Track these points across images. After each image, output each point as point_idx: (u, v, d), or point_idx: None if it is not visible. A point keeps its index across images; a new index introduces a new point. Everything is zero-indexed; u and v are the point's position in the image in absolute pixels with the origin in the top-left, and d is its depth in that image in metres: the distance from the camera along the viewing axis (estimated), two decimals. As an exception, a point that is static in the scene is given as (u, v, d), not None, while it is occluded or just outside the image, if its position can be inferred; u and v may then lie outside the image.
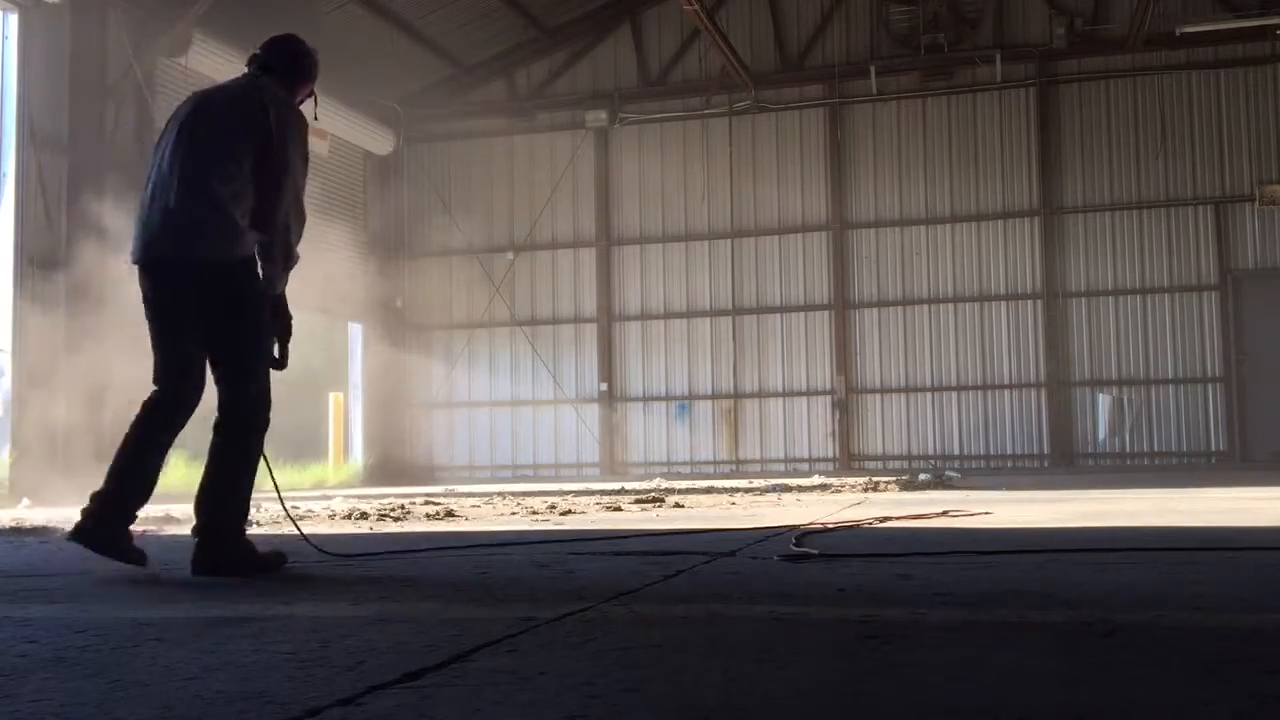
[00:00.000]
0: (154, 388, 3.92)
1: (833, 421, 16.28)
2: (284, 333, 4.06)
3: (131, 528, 3.92)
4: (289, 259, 3.99)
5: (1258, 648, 2.19)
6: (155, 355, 3.94)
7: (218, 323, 3.88)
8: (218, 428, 3.90)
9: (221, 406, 3.91)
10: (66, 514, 7.17)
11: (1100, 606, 2.69)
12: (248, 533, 3.96)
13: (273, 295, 3.97)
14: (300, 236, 4.05)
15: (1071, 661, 2.06)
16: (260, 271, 3.91)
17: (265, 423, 3.99)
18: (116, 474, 3.81)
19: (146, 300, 3.94)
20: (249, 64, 4.25)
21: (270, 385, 3.99)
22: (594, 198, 17.38)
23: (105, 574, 3.84)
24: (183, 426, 3.94)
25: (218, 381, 3.92)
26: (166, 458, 3.92)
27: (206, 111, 3.99)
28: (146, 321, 3.95)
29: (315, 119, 4.32)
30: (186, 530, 5.83)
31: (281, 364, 4.08)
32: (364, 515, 7.08)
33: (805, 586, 3.22)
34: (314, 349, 23.64)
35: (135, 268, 3.95)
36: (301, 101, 4.24)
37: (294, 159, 3.95)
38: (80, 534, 3.75)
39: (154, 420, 3.88)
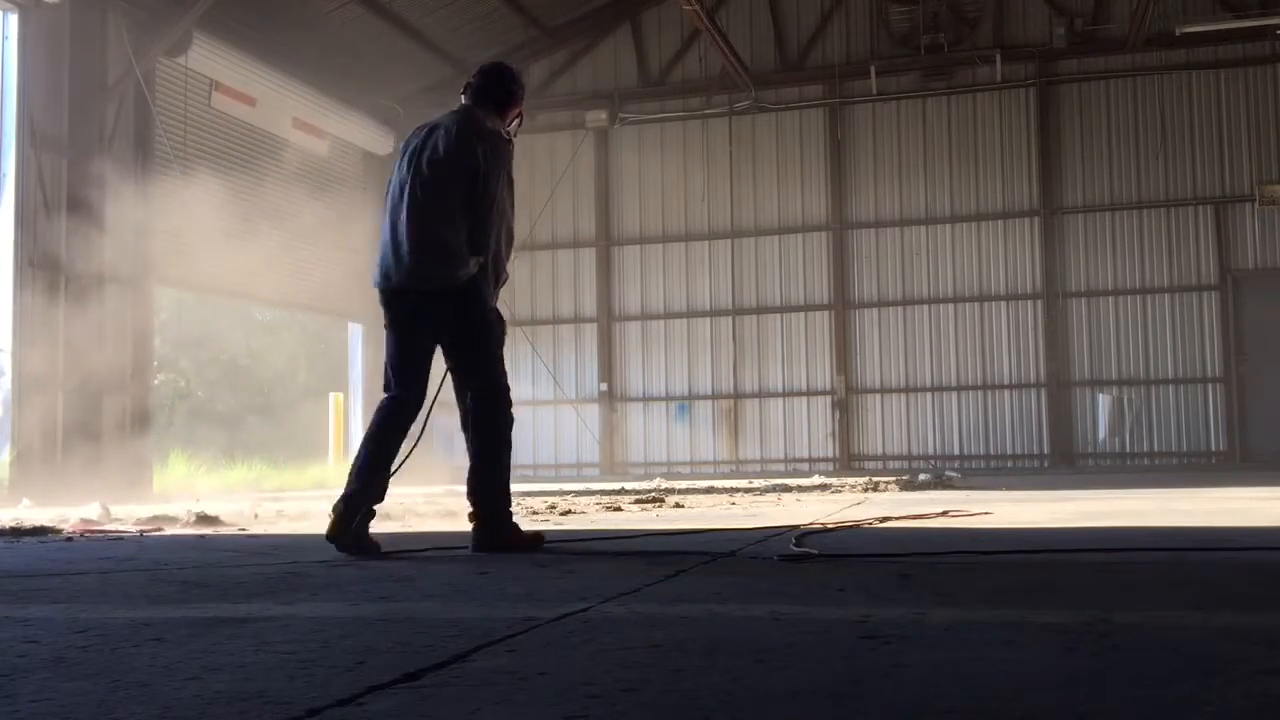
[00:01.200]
0: (385, 394, 4.52)
1: (833, 421, 16.28)
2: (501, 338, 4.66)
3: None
4: (500, 278, 4.57)
5: (1257, 648, 2.19)
6: (390, 366, 4.51)
7: (457, 340, 4.49)
8: (475, 426, 4.54)
9: (475, 410, 4.54)
10: (66, 514, 7.18)
11: (1100, 606, 2.70)
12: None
13: (491, 309, 4.55)
14: (510, 255, 4.63)
15: (1071, 661, 2.06)
16: (472, 278, 4.44)
17: (511, 417, 4.68)
18: (359, 473, 4.33)
19: (388, 320, 4.53)
20: (464, 91, 4.80)
21: (509, 383, 4.63)
22: (594, 198, 17.38)
23: (105, 574, 3.85)
24: (410, 427, 4.53)
25: (466, 388, 4.54)
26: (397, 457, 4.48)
27: (431, 147, 4.52)
28: (388, 336, 4.55)
29: (512, 135, 4.95)
30: (186, 530, 5.81)
31: None
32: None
33: (805, 586, 3.22)
34: (314, 349, 23.70)
35: (378, 291, 4.54)
36: (509, 123, 4.82)
37: (502, 190, 4.52)
38: (334, 539, 4.27)
39: (392, 423, 4.46)
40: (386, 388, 4.53)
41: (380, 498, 4.40)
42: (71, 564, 4.25)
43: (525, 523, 6.38)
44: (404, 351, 4.49)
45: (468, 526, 4.61)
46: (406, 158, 4.54)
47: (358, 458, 4.39)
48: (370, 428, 4.47)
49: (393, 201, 4.51)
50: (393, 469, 4.43)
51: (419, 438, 4.63)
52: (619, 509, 7.70)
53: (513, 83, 4.84)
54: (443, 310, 4.43)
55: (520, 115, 4.92)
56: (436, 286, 4.40)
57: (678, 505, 8.08)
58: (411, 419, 4.52)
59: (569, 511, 7.46)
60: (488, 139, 4.54)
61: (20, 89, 11.13)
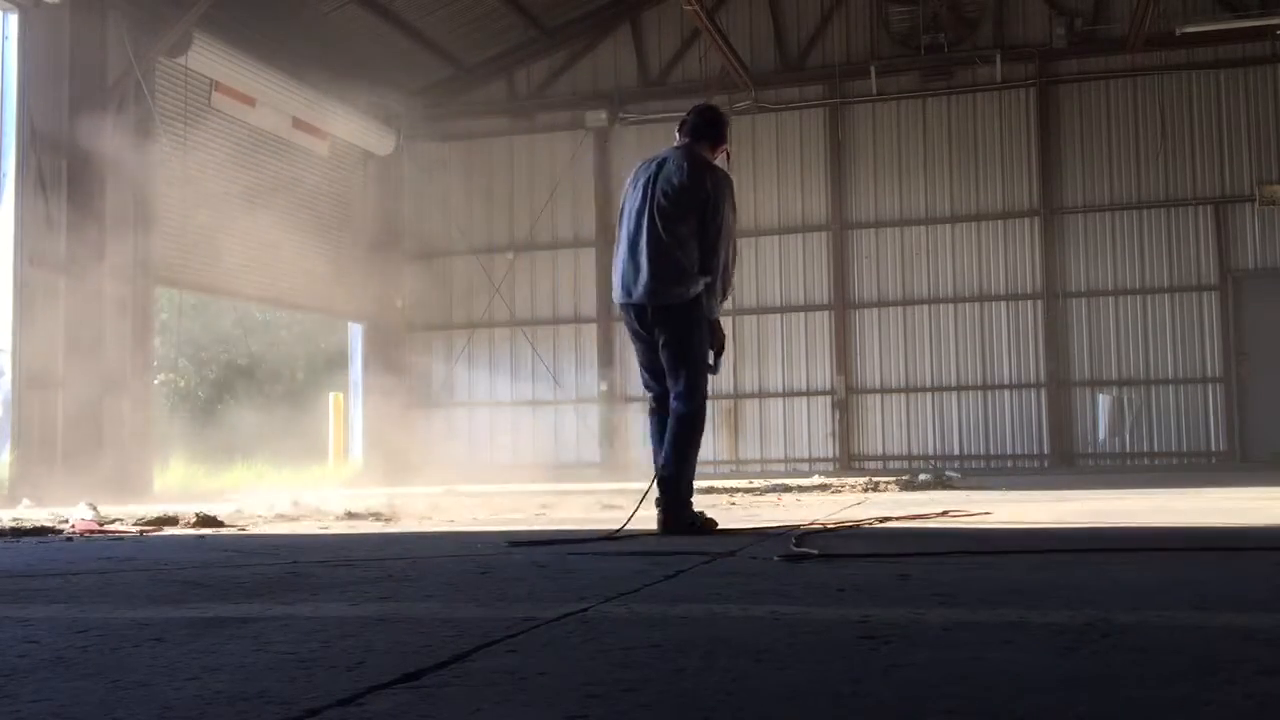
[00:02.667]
0: (649, 394, 5.44)
1: (833, 421, 16.28)
2: (719, 348, 5.32)
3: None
4: (726, 292, 5.33)
5: (1257, 648, 2.19)
6: (645, 370, 5.42)
7: (675, 347, 5.21)
8: (675, 424, 5.20)
9: (676, 409, 5.21)
10: (66, 514, 7.17)
11: (1100, 606, 2.69)
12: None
13: (712, 320, 5.26)
14: (735, 270, 5.41)
15: (1071, 661, 2.06)
16: (704, 303, 5.22)
17: (704, 420, 5.30)
18: (660, 463, 5.20)
19: (632, 331, 5.37)
20: (680, 129, 5.44)
21: (708, 390, 5.29)
22: (594, 198, 17.38)
23: (105, 574, 3.85)
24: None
25: (674, 388, 5.23)
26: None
27: (664, 180, 5.20)
28: (632, 343, 5.44)
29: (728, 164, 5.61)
30: (186, 531, 5.81)
31: (715, 370, 5.34)
32: (377, 515, 7.08)
33: (805, 586, 3.22)
34: (314, 349, 23.70)
35: (618, 305, 5.39)
36: (717, 156, 5.46)
37: (728, 216, 5.21)
38: (665, 529, 5.06)
39: (660, 417, 5.34)
40: (648, 388, 5.45)
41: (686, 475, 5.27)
42: (71, 564, 4.25)
43: (525, 523, 6.38)
44: (646, 357, 5.38)
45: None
46: (640, 188, 5.26)
47: (657, 454, 5.27)
48: (652, 425, 5.40)
49: (631, 227, 5.26)
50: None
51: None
52: (619, 509, 7.69)
53: (724, 122, 5.53)
54: (669, 320, 5.19)
55: (728, 151, 5.60)
56: (669, 302, 5.15)
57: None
58: (669, 412, 5.29)
59: (568, 510, 7.45)
60: (715, 172, 5.27)
61: (20, 89, 11.14)
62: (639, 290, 5.19)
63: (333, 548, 4.89)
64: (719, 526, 5.23)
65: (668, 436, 5.20)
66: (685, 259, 5.13)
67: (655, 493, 5.21)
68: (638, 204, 5.23)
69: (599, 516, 6.87)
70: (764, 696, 1.82)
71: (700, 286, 5.16)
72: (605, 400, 17.07)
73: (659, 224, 5.14)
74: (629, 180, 5.40)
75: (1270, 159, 15.20)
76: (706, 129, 5.41)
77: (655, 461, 5.26)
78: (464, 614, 2.77)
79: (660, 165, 5.27)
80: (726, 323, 19.35)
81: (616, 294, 5.35)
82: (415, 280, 17.98)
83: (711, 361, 5.31)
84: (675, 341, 5.21)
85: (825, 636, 2.39)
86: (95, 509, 7.18)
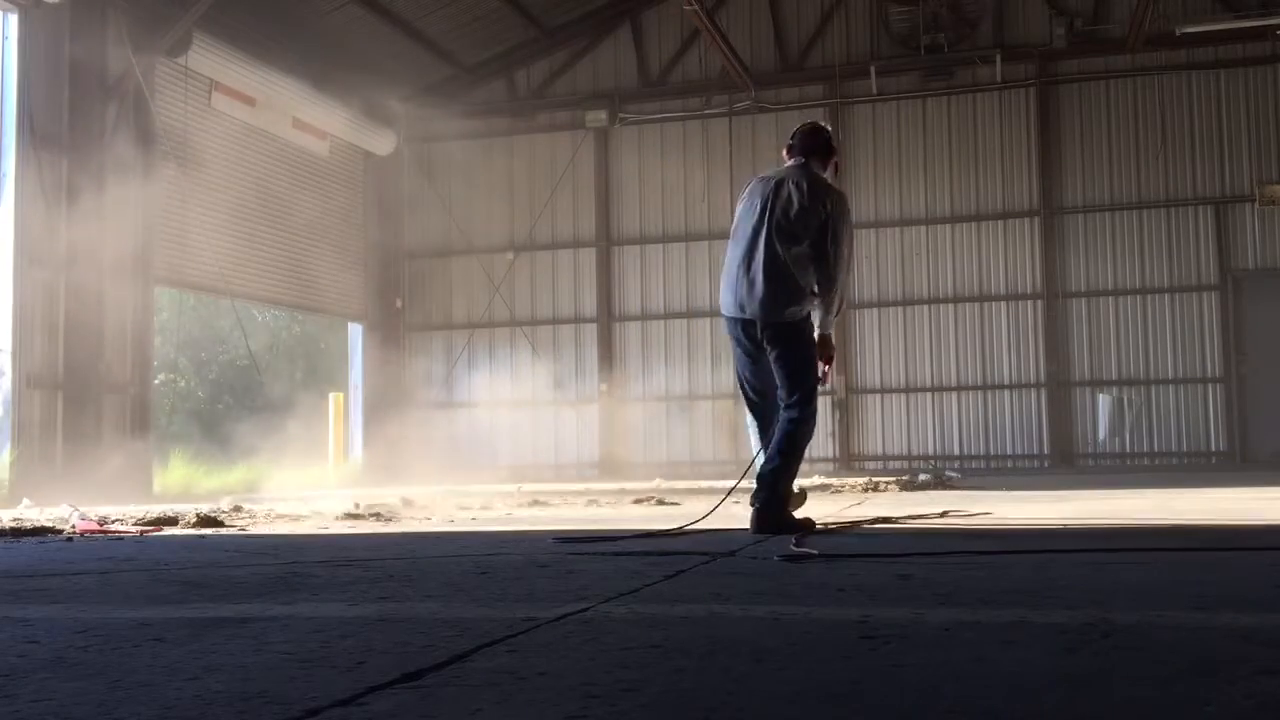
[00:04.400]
0: (750, 403, 5.64)
1: (833, 421, 16.27)
2: (829, 360, 5.55)
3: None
4: (840, 308, 5.49)
5: (1257, 648, 2.19)
6: (746, 382, 5.60)
7: (788, 365, 5.36)
8: (783, 430, 5.34)
9: (785, 415, 5.36)
10: (66, 514, 7.17)
11: (1100, 606, 2.70)
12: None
13: (825, 334, 5.47)
14: (848, 285, 5.65)
15: (1071, 661, 2.06)
16: (816, 319, 5.43)
17: (813, 431, 5.46)
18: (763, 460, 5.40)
19: (736, 340, 5.52)
20: (788, 152, 5.59)
21: (817, 403, 5.47)
22: (594, 198, 17.37)
23: (105, 574, 3.85)
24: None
25: (786, 400, 5.38)
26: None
27: (784, 200, 5.34)
28: (739, 355, 5.57)
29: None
30: (186, 531, 5.81)
31: (823, 382, 5.58)
32: (376, 515, 7.08)
33: (805, 586, 3.22)
34: (314, 349, 23.71)
35: (725, 315, 5.53)
36: (828, 168, 5.61)
37: (844, 235, 5.34)
38: (759, 528, 5.18)
39: (765, 424, 5.53)
40: (747, 392, 5.65)
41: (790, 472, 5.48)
42: (71, 564, 4.25)
43: (526, 523, 6.38)
44: (752, 368, 5.54)
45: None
46: (758, 206, 5.39)
47: (758, 459, 5.51)
48: (752, 419, 5.62)
49: (747, 243, 5.39)
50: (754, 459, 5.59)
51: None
52: (619, 509, 7.70)
53: (832, 138, 5.71)
54: (781, 337, 5.34)
55: (837, 162, 5.76)
56: (783, 320, 5.32)
57: (677, 505, 8.08)
58: (773, 419, 5.46)
59: (568, 511, 7.45)
60: (832, 193, 5.41)
61: (20, 88, 11.13)
62: (753, 306, 5.34)
63: (333, 548, 4.89)
64: (816, 525, 5.38)
65: (775, 442, 5.35)
66: (802, 279, 5.31)
67: (720, 493, 5.47)
68: (754, 222, 5.37)
69: (595, 515, 6.86)
70: (764, 696, 1.82)
71: (813, 305, 5.39)
72: (605, 400, 17.07)
73: (777, 244, 5.29)
74: (743, 195, 5.54)
75: (1270, 159, 15.20)
76: (820, 147, 5.57)
77: (758, 453, 5.54)
78: (464, 614, 2.77)
79: (778, 185, 5.40)
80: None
81: (727, 308, 5.49)
82: (415, 280, 17.98)
83: (821, 374, 5.51)
84: (788, 357, 5.37)
85: (825, 636, 2.39)
86: (76, 509, 7.18)
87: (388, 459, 16.73)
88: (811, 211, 5.28)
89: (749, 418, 5.67)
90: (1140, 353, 15.46)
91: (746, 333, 5.42)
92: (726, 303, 5.49)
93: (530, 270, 17.58)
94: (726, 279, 5.47)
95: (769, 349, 5.37)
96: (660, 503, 8.56)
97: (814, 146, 5.55)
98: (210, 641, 2.42)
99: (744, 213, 5.46)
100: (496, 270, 17.49)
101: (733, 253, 5.46)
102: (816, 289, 5.34)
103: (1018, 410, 15.79)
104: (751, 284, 5.33)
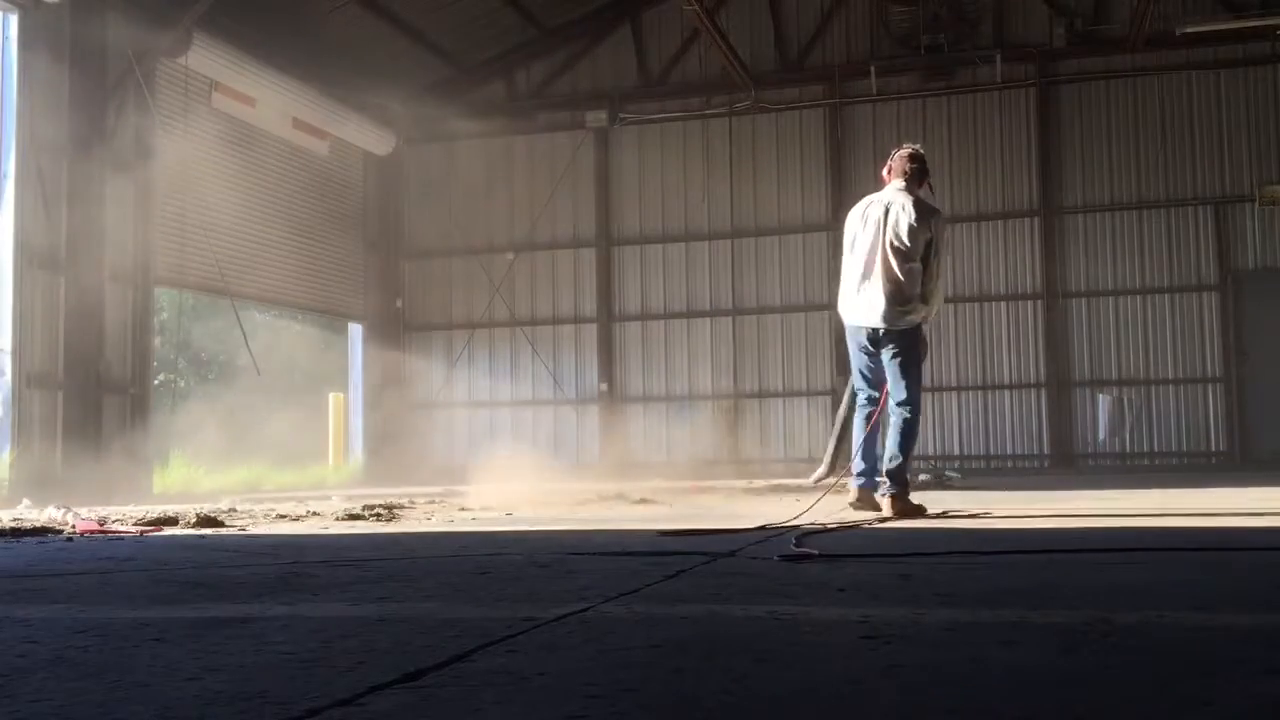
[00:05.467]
0: (862, 396, 6.43)
1: (832, 422, 16.25)
2: (924, 355, 6.49)
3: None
4: (938, 312, 6.41)
5: (1257, 648, 2.19)
6: (863, 378, 6.39)
7: (902, 363, 6.21)
8: (897, 426, 6.15)
9: (897, 412, 6.17)
10: (59, 515, 7.16)
11: (1100, 606, 2.69)
12: None
13: (922, 335, 6.33)
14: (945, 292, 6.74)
15: (1071, 661, 2.06)
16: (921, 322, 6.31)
17: (919, 421, 6.26)
18: (864, 456, 6.26)
19: (860, 346, 6.34)
20: (888, 174, 6.43)
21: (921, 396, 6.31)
22: (594, 198, 17.37)
23: (105, 574, 3.85)
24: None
25: (898, 395, 6.20)
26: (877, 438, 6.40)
27: (894, 221, 6.16)
28: (858, 357, 6.40)
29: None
30: (186, 531, 5.81)
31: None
32: (377, 515, 7.08)
33: (805, 586, 3.22)
34: (314, 349, 23.69)
35: (845, 320, 6.40)
36: (924, 187, 6.44)
37: (944, 249, 6.32)
38: (896, 514, 6.06)
39: (870, 413, 6.34)
40: (861, 389, 6.42)
41: (877, 472, 6.28)
42: (71, 564, 4.25)
43: (526, 523, 6.38)
44: (867, 369, 6.36)
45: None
46: (872, 226, 6.22)
47: (862, 448, 6.28)
48: (860, 420, 6.37)
49: (864, 259, 6.22)
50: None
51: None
52: (619, 509, 7.70)
53: (926, 161, 6.58)
54: (897, 339, 6.20)
55: (930, 183, 6.59)
56: (897, 327, 6.16)
57: (677, 505, 8.07)
58: (880, 415, 6.34)
59: (568, 510, 7.45)
60: (935, 214, 6.29)
61: (20, 89, 11.13)
62: (874, 315, 6.19)
63: (333, 548, 4.89)
64: (926, 512, 6.19)
65: (895, 440, 6.16)
66: (912, 290, 6.14)
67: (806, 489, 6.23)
68: (870, 240, 6.21)
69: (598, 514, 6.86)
70: (764, 696, 1.82)
71: (922, 312, 6.22)
72: (605, 400, 17.07)
73: (892, 261, 6.14)
74: (855, 216, 6.35)
75: (1270, 159, 15.19)
76: (918, 173, 6.41)
77: (864, 455, 6.29)
78: (464, 614, 2.77)
79: (887, 209, 6.23)
80: (726, 323, 19.20)
81: (849, 317, 6.34)
82: (415, 280, 17.98)
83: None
84: (902, 356, 6.22)
85: (825, 636, 2.39)
86: (70, 509, 7.18)
87: (388, 459, 16.75)
88: (919, 230, 6.12)
89: (858, 416, 6.48)
90: (1140, 353, 15.46)
91: (869, 338, 6.29)
92: (849, 312, 6.34)
93: (530, 270, 17.58)
94: (846, 291, 6.33)
95: (885, 352, 6.23)
96: (644, 502, 8.59)
97: (916, 174, 6.38)
98: (210, 641, 2.42)
99: (858, 232, 6.27)
100: (496, 270, 17.49)
101: (850, 268, 6.31)
102: (923, 297, 6.18)
103: (1018, 410, 15.79)
104: (871, 296, 6.18)
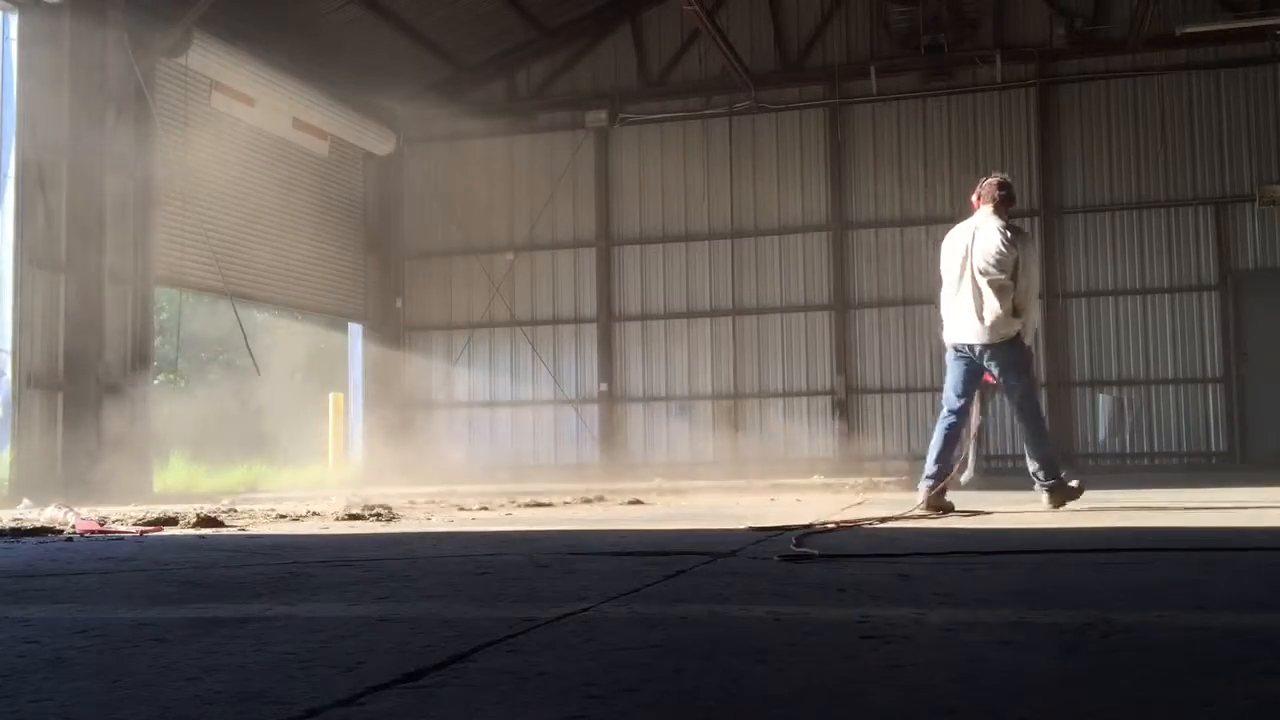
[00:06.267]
0: (958, 400, 6.87)
1: (833, 421, 16.27)
2: (1032, 360, 6.99)
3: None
4: (1035, 323, 6.88)
5: (1258, 648, 2.19)
6: (955, 390, 6.85)
7: (1012, 373, 6.75)
8: (1027, 425, 6.84)
9: (1021, 414, 6.84)
10: (60, 515, 7.16)
11: (1100, 606, 2.69)
12: None
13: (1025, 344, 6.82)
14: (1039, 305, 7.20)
15: (1071, 661, 2.06)
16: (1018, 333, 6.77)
17: (1042, 414, 7.06)
18: (937, 457, 6.74)
19: (965, 361, 6.82)
20: (978, 199, 6.87)
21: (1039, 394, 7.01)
22: (594, 198, 17.37)
23: (105, 574, 3.85)
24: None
25: (1015, 400, 6.85)
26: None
27: (982, 247, 6.68)
28: (958, 369, 6.85)
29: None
30: (186, 531, 5.81)
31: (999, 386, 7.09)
32: (375, 515, 7.08)
33: (805, 587, 3.22)
34: (314, 349, 23.70)
35: (949, 341, 6.90)
36: (1009, 209, 6.90)
37: (1034, 267, 6.83)
38: (1055, 506, 6.63)
39: (959, 425, 6.90)
40: (951, 402, 6.87)
41: (948, 473, 6.77)
42: (71, 564, 4.25)
43: (526, 523, 6.38)
44: (967, 381, 6.85)
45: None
46: (962, 251, 6.75)
47: (940, 447, 6.75)
48: (946, 429, 6.81)
49: (960, 281, 6.76)
50: (954, 456, 6.92)
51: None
52: (618, 508, 7.70)
53: (1011, 190, 6.98)
54: (1001, 353, 6.71)
55: (1012, 212, 7.03)
56: (997, 341, 6.66)
57: (677, 505, 8.08)
58: (965, 422, 7.10)
59: (568, 510, 7.45)
60: (1021, 235, 6.84)
61: (20, 89, 11.13)
62: (975, 333, 6.72)
63: (333, 548, 4.89)
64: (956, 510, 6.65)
65: (1035, 445, 6.75)
66: (1005, 306, 6.64)
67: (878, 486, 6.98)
68: (963, 264, 6.75)
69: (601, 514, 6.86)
70: (764, 696, 1.82)
71: (1018, 326, 6.70)
72: (605, 400, 17.07)
73: (984, 281, 6.67)
74: (948, 242, 6.89)
75: (1270, 159, 15.19)
76: (1005, 199, 6.86)
77: (937, 456, 6.71)
78: (464, 614, 2.77)
79: (975, 235, 6.76)
80: (726, 323, 19.25)
81: (951, 336, 6.86)
82: (415, 280, 17.98)
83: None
84: (1010, 367, 6.74)
85: (825, 636, 2.39)
86: (69, 509, 7.17)
87: (388, 459, 16.74)
88: (1009, 252, 6.63)
89: (940, 425, 6.86)
90: (1140, 353, 15.46)
91: (973, 355, 6.78)
92: (951, 332, 6.87)
93: (530, 270, 17.58)
94: (948, 312, 6.86)
95: (993, 366, 6.74)
96: (636, 502, 8.60)
97: (1003, 200, 6.84)
98: (210, 641, 2.42)
99: (952, 256, 6.82)
100: (496, 270, 17.49)
101: (948, 290, 6.84)
102: (1016, 312, 6.67)
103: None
104: (969, 315, 6.70)
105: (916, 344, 16.15)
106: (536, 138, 17.66)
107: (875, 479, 12.21)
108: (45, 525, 6.17)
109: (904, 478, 12.32)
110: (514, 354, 17.58)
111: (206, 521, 6.40)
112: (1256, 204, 15.12)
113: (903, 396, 16.17)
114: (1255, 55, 15.26)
